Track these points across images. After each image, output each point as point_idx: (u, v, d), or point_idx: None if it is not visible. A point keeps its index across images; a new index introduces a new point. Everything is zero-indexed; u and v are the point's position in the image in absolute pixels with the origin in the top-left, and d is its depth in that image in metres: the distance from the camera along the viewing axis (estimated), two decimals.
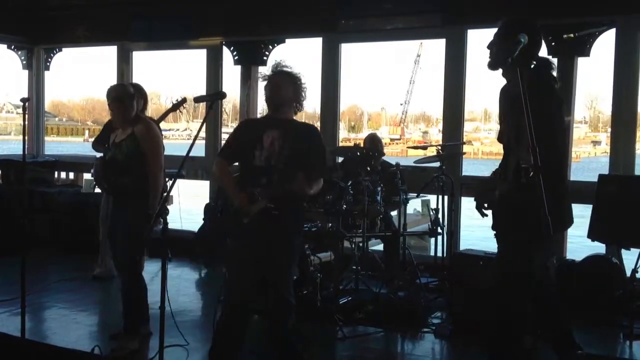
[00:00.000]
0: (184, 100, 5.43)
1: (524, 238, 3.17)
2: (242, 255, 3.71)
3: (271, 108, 3.76)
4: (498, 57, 3.35)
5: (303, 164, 3.57)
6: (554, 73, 3.46)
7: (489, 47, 3.40)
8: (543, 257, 3.51)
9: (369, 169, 5.15)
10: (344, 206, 5.32)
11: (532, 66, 3.34)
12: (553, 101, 3.32)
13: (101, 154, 4.73)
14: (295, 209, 3.74)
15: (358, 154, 5.65)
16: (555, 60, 3.51)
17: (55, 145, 30.32)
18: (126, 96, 4.49)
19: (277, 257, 3.69)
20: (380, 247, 6.28)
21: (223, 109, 5.30)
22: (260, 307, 4.06)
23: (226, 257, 3.85)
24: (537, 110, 2.90)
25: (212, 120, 7.79)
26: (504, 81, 3.45)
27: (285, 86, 3.69)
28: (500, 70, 3.40)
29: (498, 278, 3.42)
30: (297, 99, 3.73)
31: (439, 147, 6.01)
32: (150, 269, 6.14)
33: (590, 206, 5.26)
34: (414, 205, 11.89)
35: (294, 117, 3.84)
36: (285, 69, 3.76)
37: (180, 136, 60.68)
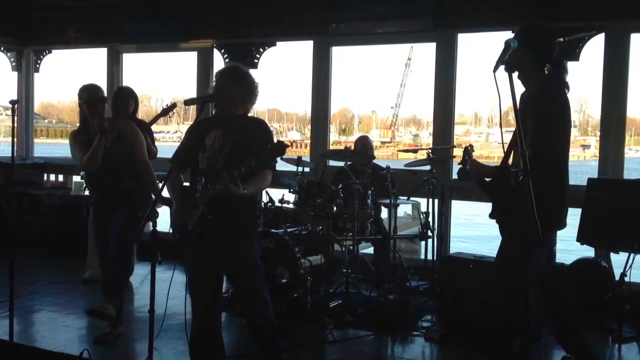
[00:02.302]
0: (174, 105, 5.42)
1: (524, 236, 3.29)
2: (194, 261, 3.72)
3: (217, 106, 3.73)
4: (514, 61, 3.43)
5: (245, 160, 3.44)
6: (566, 76, 3.61)
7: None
8: (544, 253, 3.66)
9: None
10: (335, 209, 5.32)
11: (546, 71, 3.53)
12: (556, 107, 3.48)
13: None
14: (243, 210, 3.65)
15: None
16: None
17: (44, 147, 30.08)
18: (103, 97, 4.54)
19: (235, 263, 3.68)
20: (371, 250, 6.28)
21: (213, 112, 5.26)
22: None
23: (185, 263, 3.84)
24: (541, 115, 3.20)
25: None
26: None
27: (231, 84, 3.64)
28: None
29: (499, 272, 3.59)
30: (244, 97, 3.67)
31: (430, 151, 6.03)
32: (140, 272, 6.11)
33: (579, 210, 5.29)
34: (404, 208, 11.87)
35: (248, 114, 3.78)
36: (232, 68, 3.76)
37: (171, 138, 60.38)
